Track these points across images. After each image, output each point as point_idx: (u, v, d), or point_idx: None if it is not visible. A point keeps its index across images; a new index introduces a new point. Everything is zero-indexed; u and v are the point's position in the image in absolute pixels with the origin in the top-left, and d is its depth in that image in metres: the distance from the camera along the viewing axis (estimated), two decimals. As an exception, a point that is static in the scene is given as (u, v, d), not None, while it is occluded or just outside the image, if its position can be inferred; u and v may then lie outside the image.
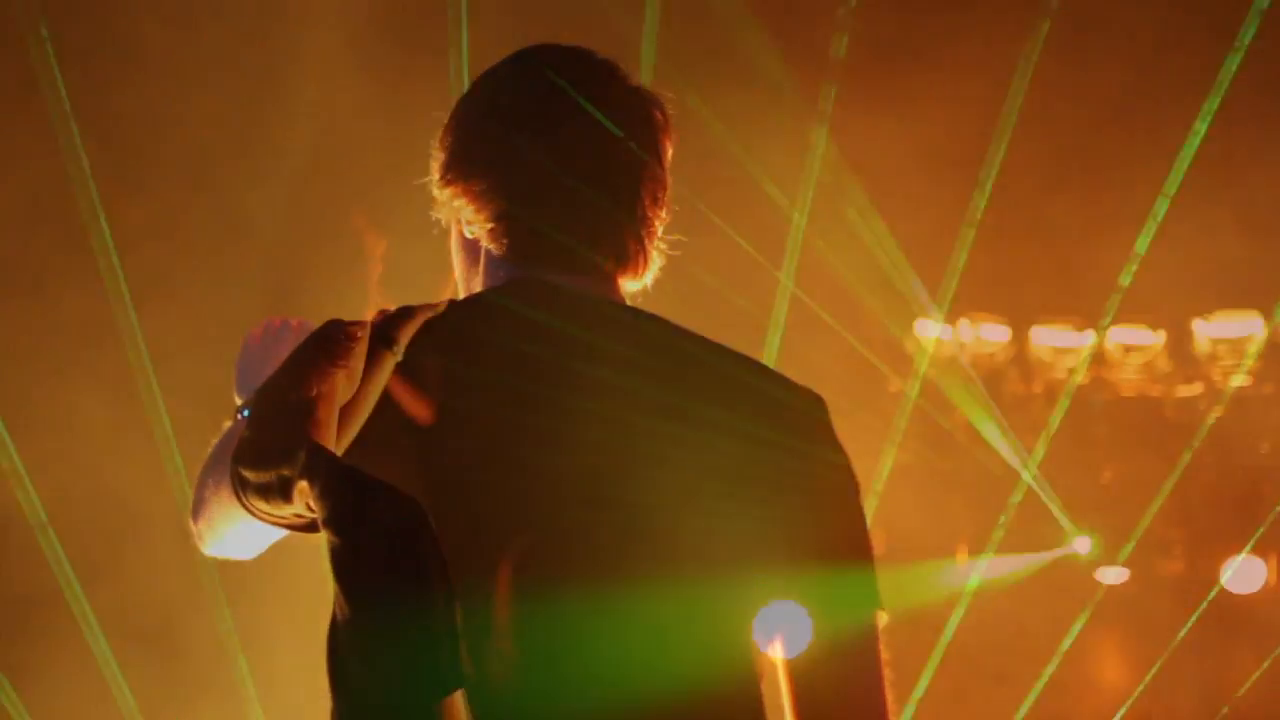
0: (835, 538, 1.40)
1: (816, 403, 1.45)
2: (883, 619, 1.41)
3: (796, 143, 4.93)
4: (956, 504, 6.08)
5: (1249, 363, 5.60)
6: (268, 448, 1.21)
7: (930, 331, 5.95)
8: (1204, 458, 5.88)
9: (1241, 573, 6.02)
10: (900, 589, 5.76)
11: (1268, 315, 5.57)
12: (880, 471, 6.18)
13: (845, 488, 1.44)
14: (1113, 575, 5.96)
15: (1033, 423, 6.06)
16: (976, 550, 5.98)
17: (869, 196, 5.28)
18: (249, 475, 1.21)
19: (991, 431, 5.80)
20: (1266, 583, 5.95)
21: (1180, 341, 5.74)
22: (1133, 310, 5.80)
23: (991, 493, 6.01)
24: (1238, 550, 6.02)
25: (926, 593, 5.94)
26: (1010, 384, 6.06)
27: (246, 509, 1.23)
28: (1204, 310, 5.62)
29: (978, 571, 5.98)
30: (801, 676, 1.37)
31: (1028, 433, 6.03)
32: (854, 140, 5.06)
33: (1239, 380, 5.69)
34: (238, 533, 1.40)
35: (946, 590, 5.97)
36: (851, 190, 5.21)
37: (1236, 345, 5.58)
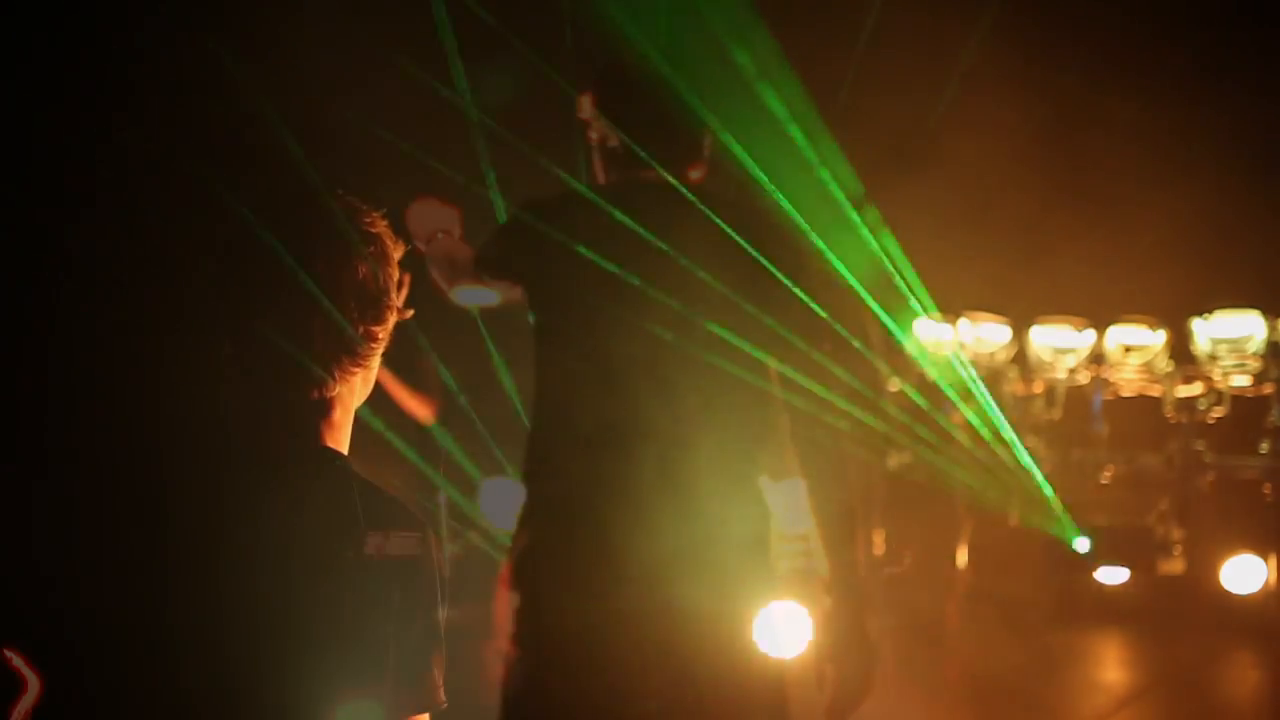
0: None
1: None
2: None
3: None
4: (957, 504, 6.08)
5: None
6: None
7: (930, 332, 5.94)
8: (1204, 458, 5.89)
9: (1241, 573, 6.02)
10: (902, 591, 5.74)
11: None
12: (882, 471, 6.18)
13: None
14: (1113, 575, 5.95)
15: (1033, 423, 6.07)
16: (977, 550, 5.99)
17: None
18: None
19: (992, 431, 5.80)
20: (1266, 583, 5.94)
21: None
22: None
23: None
24: (1238, 550, 6.01)
25: (927, 593, 5.95)
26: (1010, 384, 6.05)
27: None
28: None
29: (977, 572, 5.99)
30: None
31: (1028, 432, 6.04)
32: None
33: (1239, 380, 5.68)
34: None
35: (947, 591, 5.97)
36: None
37: (1236, 345, 5.57)
